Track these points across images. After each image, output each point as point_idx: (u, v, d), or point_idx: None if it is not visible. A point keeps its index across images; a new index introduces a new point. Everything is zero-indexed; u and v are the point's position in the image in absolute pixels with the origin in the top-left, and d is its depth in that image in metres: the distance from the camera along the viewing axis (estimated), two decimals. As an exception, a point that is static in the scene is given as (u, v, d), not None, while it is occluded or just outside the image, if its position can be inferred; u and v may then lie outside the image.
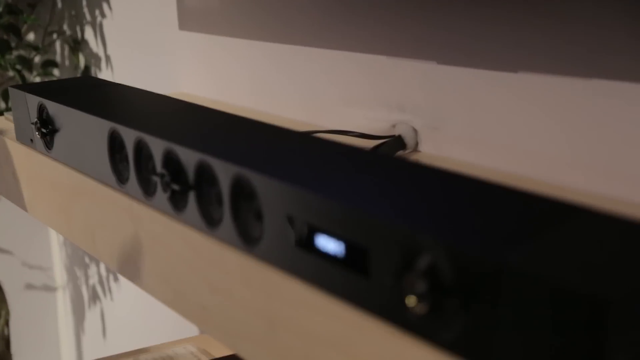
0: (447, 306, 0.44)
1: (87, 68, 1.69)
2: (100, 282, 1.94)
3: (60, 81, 1.05)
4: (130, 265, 0.81)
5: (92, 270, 1.96)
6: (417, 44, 0.86)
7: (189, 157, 0.67)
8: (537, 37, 0.74)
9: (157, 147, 0.71)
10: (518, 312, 0.41)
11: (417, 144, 0.87)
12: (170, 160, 0.69)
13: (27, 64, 1.74)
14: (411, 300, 0.46)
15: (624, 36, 0.68)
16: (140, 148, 0.74)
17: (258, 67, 1.13)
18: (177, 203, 0.70)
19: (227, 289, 0.65)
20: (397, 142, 0.85)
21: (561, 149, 0.74)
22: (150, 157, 0.73)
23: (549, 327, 0.39)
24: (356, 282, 0.51)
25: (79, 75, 1.73)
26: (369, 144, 0.86)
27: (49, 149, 0.93)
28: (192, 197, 0.67)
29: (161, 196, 0.72)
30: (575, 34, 0.71)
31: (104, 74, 1.62)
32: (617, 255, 0.41)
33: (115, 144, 0.79)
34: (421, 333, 0.47)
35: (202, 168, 0.65)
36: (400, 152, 0.86)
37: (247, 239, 0.62)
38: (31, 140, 0.98)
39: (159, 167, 0.71)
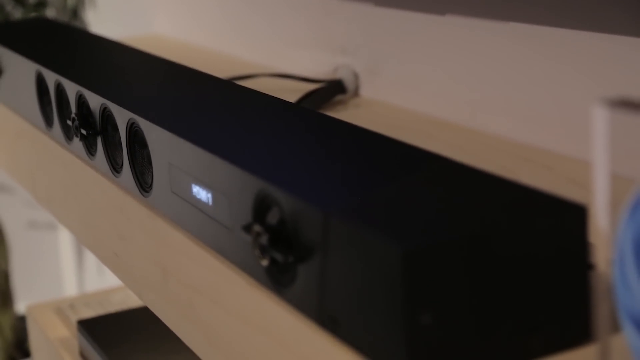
0: (285, 259, 0.43)
1: (75, 8, 1.67)
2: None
3: (15, 22, 1.04)
4: (60, 210, 0.81)
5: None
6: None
7: (95, 102, 0.66)
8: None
9: (72, 91, 0.70)
10: (342, 263, 0.39)
11: (357, 88, 0.85)
12: (82, 104, 0.68)
13: (20, 3, 1.74)
14: (257, 253, 0.45)
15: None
16: (60, 91, 0.73)
17: (225, 9, 1.11)
18: (90, 148, 0.69)
19: (131, 237, 0.65)
20: (335, 86, 0.84)
21: (496, 95, 0.72)
22: (68, 101, 0.72)
23: (366, 277, 0.38)
24: (222, 233, 0.50)
25: (67, 15, 1.72)
26: (310, 87, 0.84)
27: (-4, 91, 0.93)
28: (100, 142, 0.66)
29: (77, 141, 0.71)
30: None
31: (89, 14, 1.61)
32: (446, 208, 0.40)
33: (42, 87, 0.78)
34: (268, 286, 0.46)
35: (106, 113, 0.65)
36: (339, 97, 0.84)
37: (144, 186, 0.61)
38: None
39: (74, 112, 0.70)
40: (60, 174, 0.78)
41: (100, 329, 0.90)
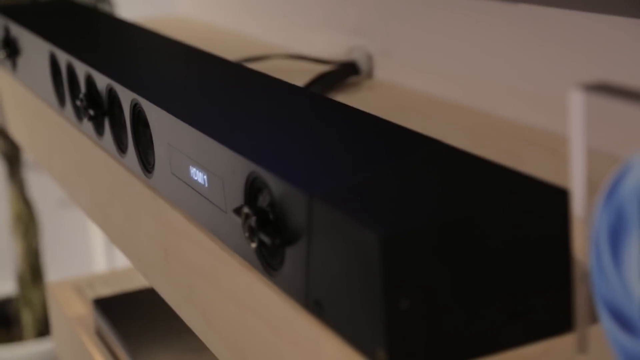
0: (272, 242, 0.43)
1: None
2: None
3: (38, 4, 1.05)
4: (74, 189, 0.81)
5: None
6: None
7: (102, 83, 0.66)
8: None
9: (81, 71, 0.70)
10: (325, 247, 0.39)
11: (371, 70, 0.84)
12: (91, 85, 0.69)
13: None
14: (246, 235, 0.45)
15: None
16: (72, 72, 0.73)
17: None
18: (98, 128, 0.69)
19: (136, 217, 0.65)
20: (349, 68, 0.83)
21: (509, 77, 0.71)
22: (79, 82, 0.72)
23: (347, 262, 0.38)
24: (217, 215, 0.50)
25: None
26: (324, 69, 0.84)
27: (15, 70, 0.94)
28: (107, 122, 0.67)
29: (87, 121, 0.71)
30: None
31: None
32: (431, 193, 0.39)
33: (55, 68, 0.78)
34: (259, 269, 0.46)
35: (112, 94, 0.65)
36: (353, 79, 0.84)
37: (147, 166, 0.61)
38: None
39: (82, 92, 0.70)
40: (72, 153, 0.79)
41: (116, 308, 0.91)
